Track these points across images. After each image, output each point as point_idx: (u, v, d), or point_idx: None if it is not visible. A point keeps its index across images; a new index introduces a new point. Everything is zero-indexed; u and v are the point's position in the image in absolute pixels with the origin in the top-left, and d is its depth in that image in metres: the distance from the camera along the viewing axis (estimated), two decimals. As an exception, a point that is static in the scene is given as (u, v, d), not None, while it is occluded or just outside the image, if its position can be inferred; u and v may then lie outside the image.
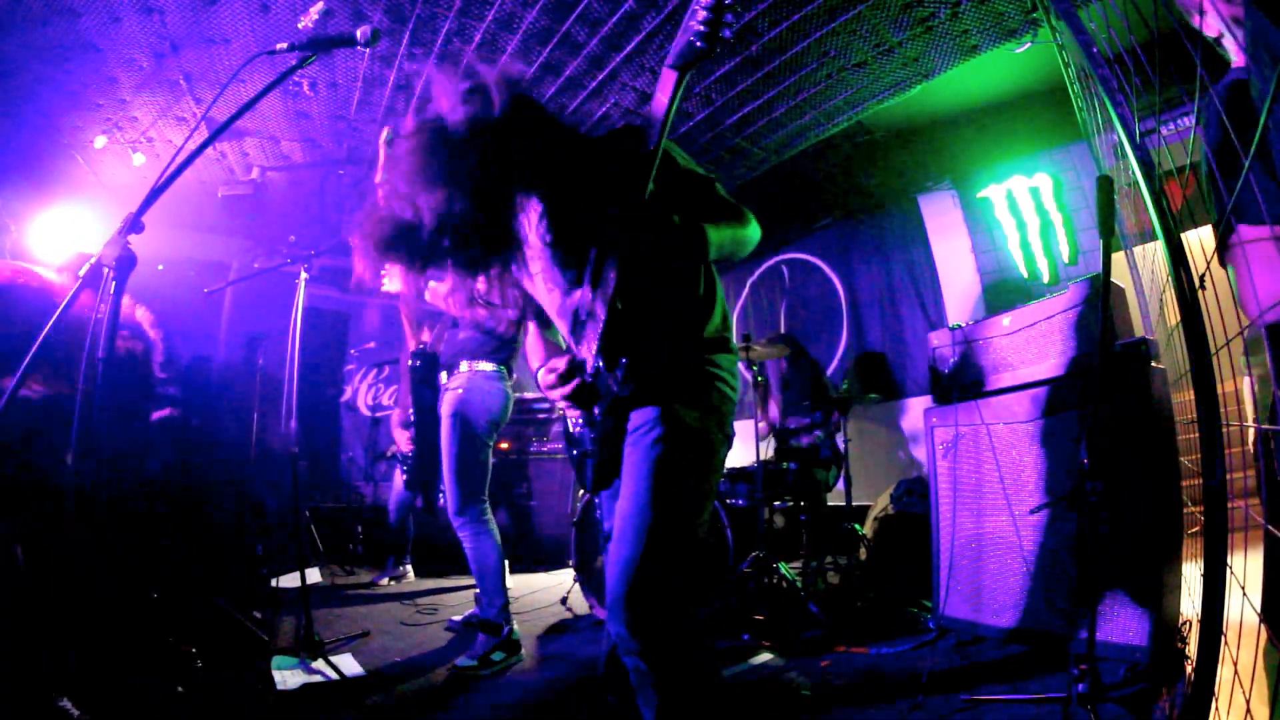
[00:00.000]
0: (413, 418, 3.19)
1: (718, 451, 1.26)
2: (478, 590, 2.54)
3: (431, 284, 2.70)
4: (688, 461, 1.19)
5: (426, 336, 2.71)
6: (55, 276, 2.19)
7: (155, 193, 1.20)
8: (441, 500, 3.20)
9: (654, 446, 1.17)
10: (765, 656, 2.41)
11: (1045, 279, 4.11)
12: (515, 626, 2.47)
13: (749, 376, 3.66)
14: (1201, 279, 1.13)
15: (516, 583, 4.01)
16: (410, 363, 2.49)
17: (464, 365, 2.54)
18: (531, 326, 1.58)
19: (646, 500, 1.14)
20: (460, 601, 3.51)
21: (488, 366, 2.55)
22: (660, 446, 1.17)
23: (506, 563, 3.52)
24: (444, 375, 2.56)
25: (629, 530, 1.14)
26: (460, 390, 2.50)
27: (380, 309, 6.74)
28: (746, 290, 6.08)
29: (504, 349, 2.61)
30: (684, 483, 1.17)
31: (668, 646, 1.09)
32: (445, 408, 2.53)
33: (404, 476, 3.89)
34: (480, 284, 1.36)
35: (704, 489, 1.21)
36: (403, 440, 3.74)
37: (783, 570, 2.80)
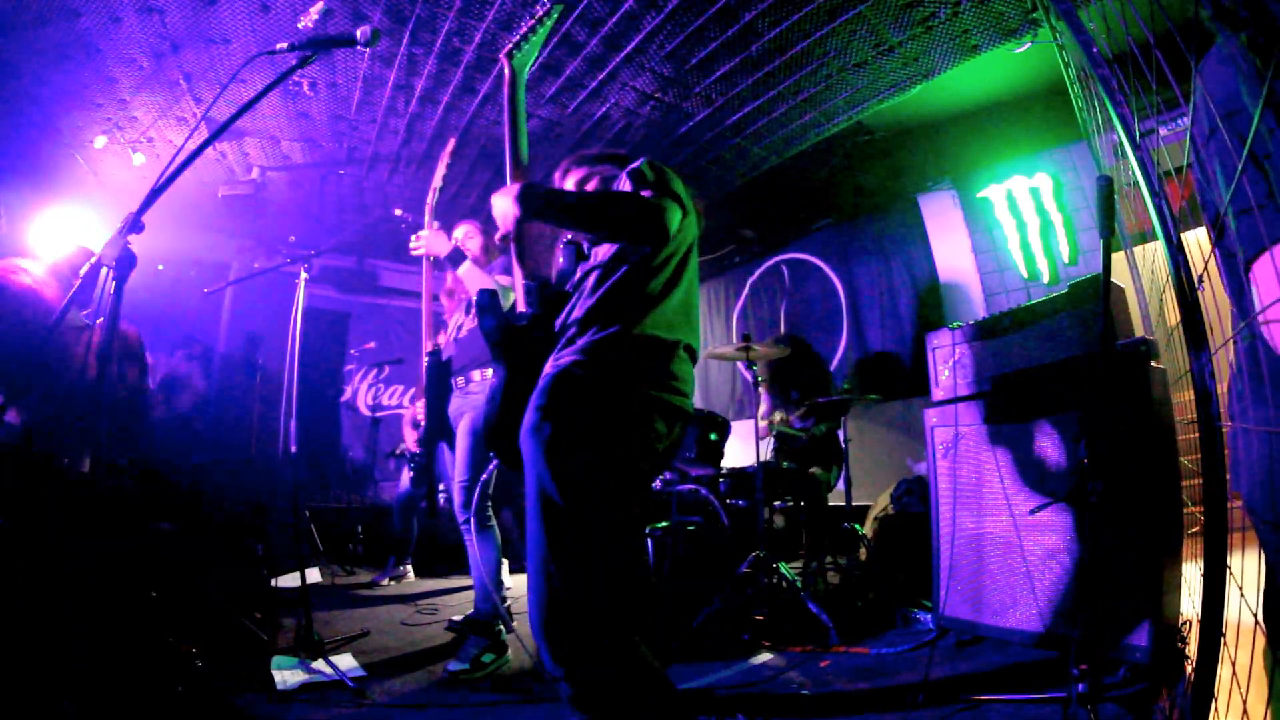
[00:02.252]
0: (422, 418, 3.20)
1: (628, 464, 1.15)
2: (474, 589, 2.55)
3: (443, 298, 2.76)
4: (572, 483, 1.09)
5: (442, 339, 2.75)
6: (39, 274, 2.19)
7: (155, 193, 1.20)
8: (443, 501, 3.21)
9: (534, 454, 1.12)
10: (765, 656, 2.41)
11: (1045, 279, 4.11)
12: (504, 628, 2.47)
13: (749, 376, 3.66)
14: (1201, 279, 1.13)
15: (516, 583, 4.01)
16: (427, 363, 2.52)
17: (477, 374, 2.61)
18: None
19: (536, 528, 1.09)
20: (460, 601, 3.51)
21: None
22: (541, 454, 1.11)
23: (506, 563, 3.53)
24: (460, 380, 2.60)
25: (529, 560, 1.09)
26: (479, 396, 2.57)
27: (381, 309, 6.75)
28: (746, 290, 6.08)
29: None
30: (572, 507, 1.08)
31: (588, 678, 1.03)
32: (461, 412, 2.58)
33: (411, 475, 3.90)
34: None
35: (603, 511, 1.10)
36: (411, 439, 3.75)
37: (783, 570, 2.80)
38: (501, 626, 2.45)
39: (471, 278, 2.43)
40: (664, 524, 3.03)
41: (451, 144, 2.65)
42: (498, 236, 1.31)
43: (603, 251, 1.35)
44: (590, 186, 1.53)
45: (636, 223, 1.22)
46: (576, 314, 1.29)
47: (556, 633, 1.03)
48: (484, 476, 2.57)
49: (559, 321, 1.35)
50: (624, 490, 1.14)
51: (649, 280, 1.27)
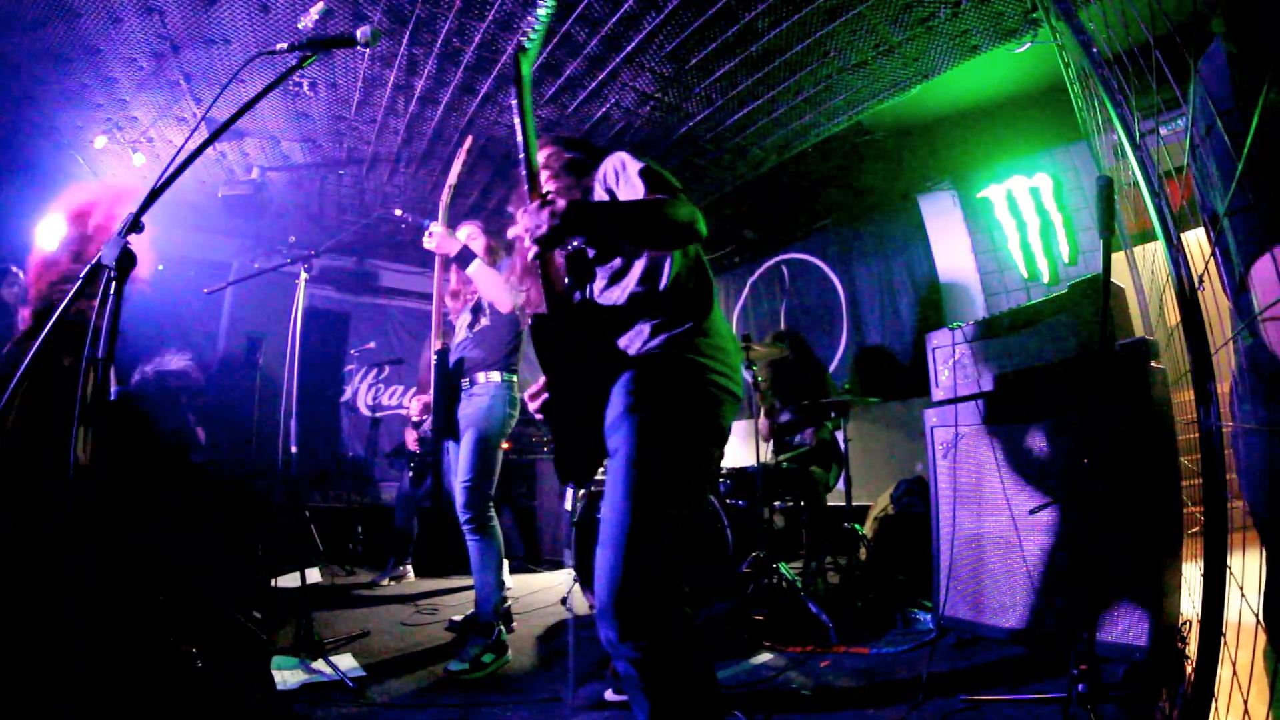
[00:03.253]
0: (426, 417, 3.21)
1: (704, 447, 1.25)
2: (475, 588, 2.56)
3: (448, 300, 2.78)
4: (665, 460, 1.18)
5: (450, 340, 2.77)
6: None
7: (155, 193, 1.20)
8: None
9: (625, 443, 1.18)
10: (765, 656, 2.41)
11: (1045, 279, 4.11)
12: (504, 627, 2.48)
13: (749, 376, 3.66)
14: (1201, 279, 1.14)
15: (516, 583, 4.01)
16: (435, 363, 2.54)
17: (482, 377, 2.62)
18: None
19: (625, 504, 1.14)
20: (460, 601, 3.51)
21: (505, 377, 2.67)
22: (631, 443, 1.18)
23: (506, 563, 3.52)
24: (465, 381, 2.62)
25: (609, 535, 1.13)
26: (484, 399, 2.59)
27: (381, 309, 6.75)
28: (746, 290, 6.08)
29: (511, 355, 2.68)
30: (663, 483, 1.16)
31: (656, 651, 1.08)
32: (467, 414, 2.59)
33: (411, 475, 3.91)
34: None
35: (687, 488, 1.20)
36: (411, 439, 3.75)
37: (783, 570, 2.80)
38: (501, 627, 2.46)
39: (482, 277, 2.43)
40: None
41: (469, 142, 2.65)
42: (530, 256, 1.23)
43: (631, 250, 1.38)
44: (556, 165, 1.52)
45: (686, 229, 1.24)
46: (628, 304, 1.34)
47: (636, 605, 1.08)
48: (494, 478, 2.58)
49: (602, 310, 1.39)
50: (704, 474, 1.26)
51: (698, 275, 1.38)
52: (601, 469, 1.30)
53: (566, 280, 1.47)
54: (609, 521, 1.15)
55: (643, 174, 1.33)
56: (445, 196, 2.51)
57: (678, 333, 1.30)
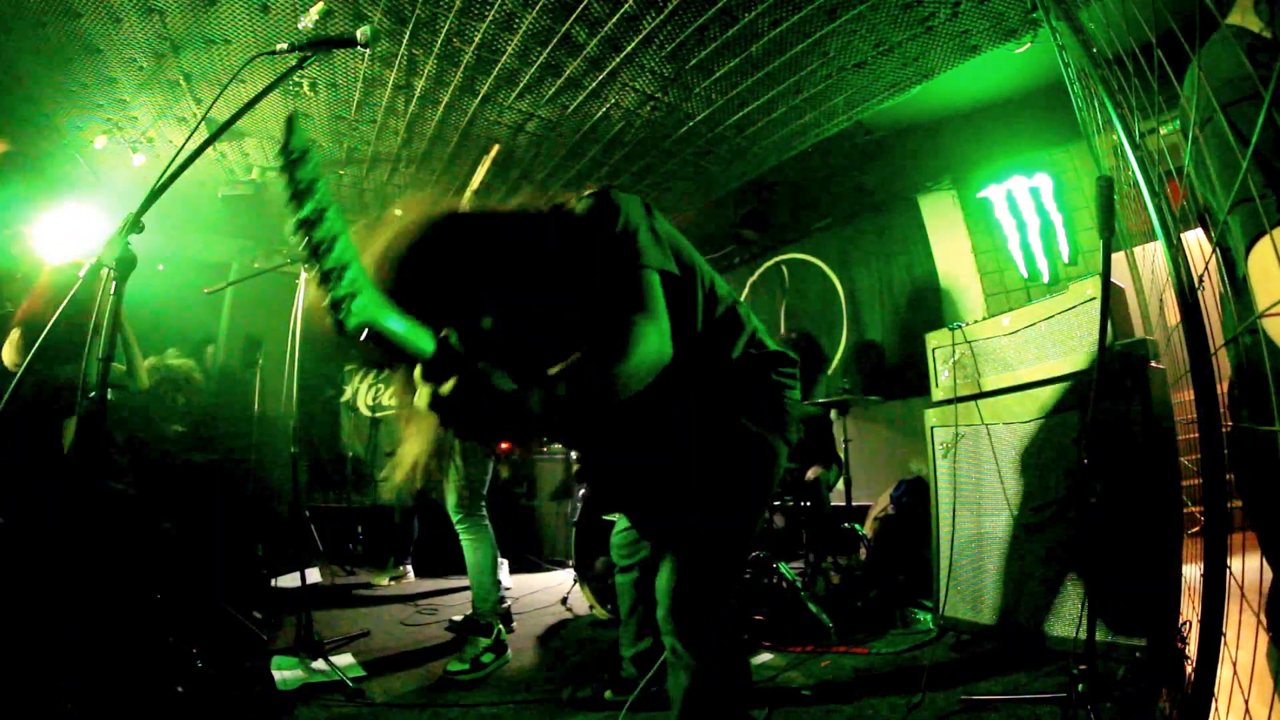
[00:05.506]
0: None
1: (778, 462, 1.25)
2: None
3: None
4: (742, 481, 1.21)
5: None
6: None
7: (155, 193, 1.20)
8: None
9: (707, 465, 1.19)
10: (765, 656, 2.41)
11: (1045, 279, 4.11)
12: (503, 627, 2.49)
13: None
14: (1201, 279, 1.13)
15: (516, 583, 4.01)
16: None
17: None
18: None
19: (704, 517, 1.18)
20: (460, 601, 3.51)
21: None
22: (713, 467, 1.18)
23: (505, 563, 3.51)
24: None
25: (685, 539, 1.18)
26: None
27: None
28: (746, 290, 6.08)
29: None
30: (738, 502, 1.21)
31: (704, 640, 1.16)
32: None
33: None
34: None
35: (758, 505, 1.26)
36: None
37: (783, 570, 2.80)
38: (501, 626, 2.46)
39: None
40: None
41: (495, 150, 2.66)
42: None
43: None
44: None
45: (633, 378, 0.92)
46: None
47: (701, 615, 1.16)
48: (486, 478, 2.60)
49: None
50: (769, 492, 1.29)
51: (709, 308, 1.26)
52: None
53: None
54: (687, 530, 1.19)
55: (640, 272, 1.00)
56: (464, 205, 2.52)
57: (730, 362, 1.21)
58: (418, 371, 0.78)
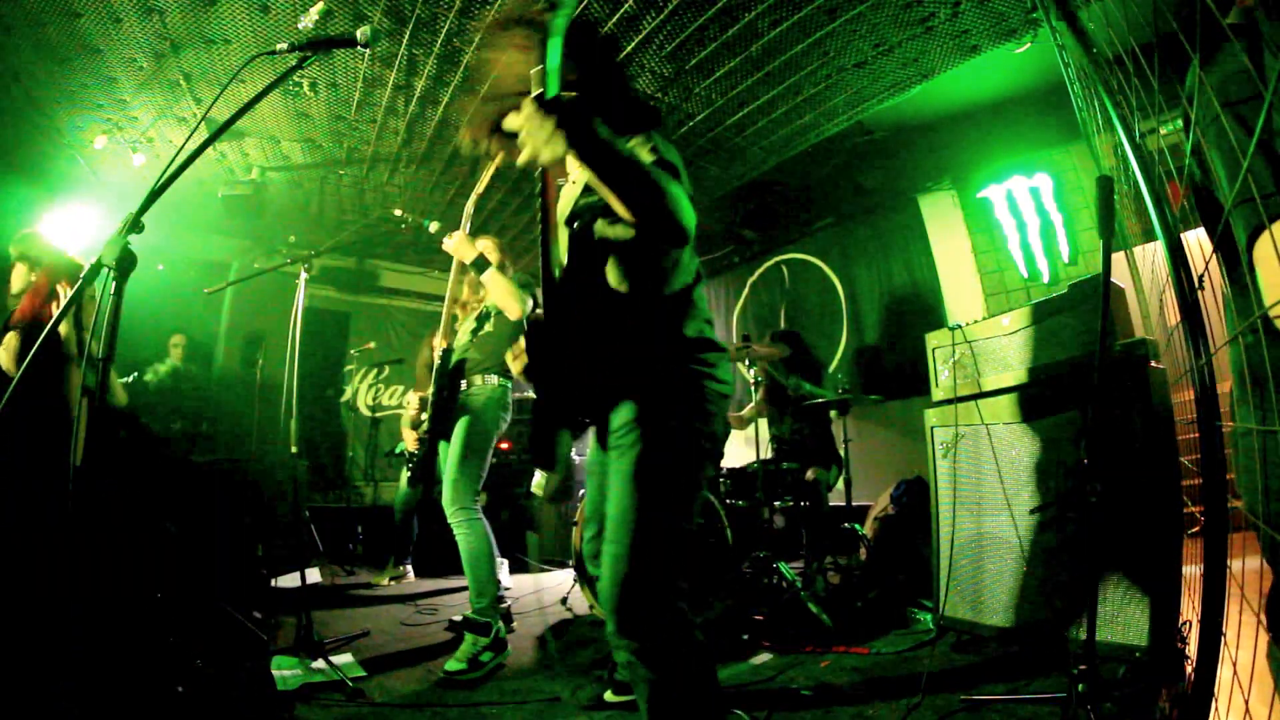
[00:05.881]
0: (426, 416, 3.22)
1: (703, 449, 1.26)
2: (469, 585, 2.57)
3: (456, 309, 2.82)
4: (669, 462, 1.19)
5: (454, 341, 2.81)
6: None
7: (155, 193, 1.20)
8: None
9: (634, 448, 1.18)
10: (765, 656, 2.41)
11: (1045, 279, 4.11)
12: (503, 625, 2.50)
13: (748, 376, 3.66)
14: (1201, 279, 1.13)
15: (516, 582, 4.01)
16: (439, 362, 2.56)
17: (479, 379, 2.73)
18: None
19: (630, 503, 1.16)
20: (460, 601, 3.51)
21: (501, 381, 2.77)
22: (640, 448, 1.18)
23: (505, 563, 3.50)
24: (463, 383, 2.70)
25: (614, 534, 1.16)
26: (479, 400, 2.69)
27: (381, 309, 6.75)
28: (746, 290, 6.08)
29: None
30: (664, 484, 1.18)
31: (655, 642, 1.12)
32: (461, 414, 2.65)
33: (410, 475, 3.90)
34: None
35: (687, 489, 1.21)
36: (411, 439, 3.75)
37: (783, 570, 2.80)
38: (500, 625, 2.46)
39: (494, 283, 2.46)
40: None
41: (500, 156, 2.66)
42: (520, 160, 1.05)
43: (616, 233, 1.29)
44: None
45: (677, 224, 1.10)
46: (620, 306, 1.27)
47: (637, 603, 1.12)
48: (481, 474, 2.61)
49: (589, 305, 1.30)
50: (702, 479, 1.26)
51: (695, 281, 1.34)
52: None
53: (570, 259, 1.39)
54: (615, 521, 1.17)
55: (657, 146, 1.23)
56: (470, 206, 2.53)
57: (681, 341, 1.28)
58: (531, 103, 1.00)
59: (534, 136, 0.99)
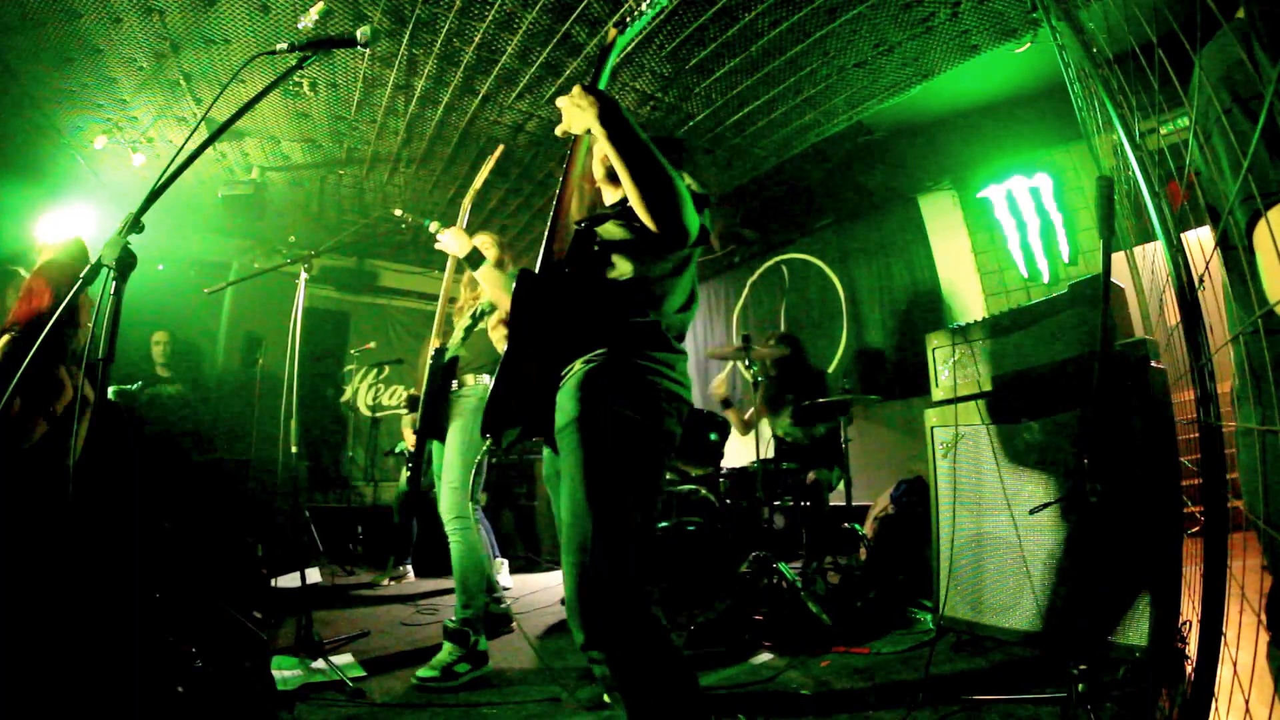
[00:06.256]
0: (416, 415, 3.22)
1: (656, 447, 1.23)
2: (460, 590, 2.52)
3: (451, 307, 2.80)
4: (614, 460, 1.17)
5: (448, 340, 2.79)
6: None
7: (155, 193, 1.20)
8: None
9: (578, 449, 1.17)
10: (765, 656, 2.41)
11: (1045, 279, 4.11)
12: (484, 639, 2.40)
13: (748, 376, 3.65)
14: (1201, 279, 1.13)
15: (516, 583, 4.01)
16: (431, 362, 2.54)
17: (470, 379, 2.66)
18: None
19: (581, 509, 1.14)
20: (460, 601, 3.51)
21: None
22: (584, 449, 1.16)
23: (505, 563, 3.50)
24: (455, 383, 2.64)
25: (570, 542, 1.14)
26: (471, 400, 2.62)
27: (381, 309, 6.75)
28: (746, 290, 6.08)
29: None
30: (612, 483, 1.16)
31: (625, 651, 1.11)
32: (454, 415, 2.60)
33: (410, 475, 3.91)
34: None
35: (639, 489, 1.18)
36: (411, 439, 3.75)
37: (783, 570, 2.79)
38: (482, 638, 2.38)
39: (490, 279, 2.43)
40: (664, 524, 3.04)
41: (500, 150, 2.65)
42: (559, 130, 1.27)
43: (617, 233, 1.34)
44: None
45: (680, 223, 1.20)
46: (598, 300, 1.30)
47: (600, 612, 1.10)
48: (473, 477, 2.58)
49: (575, 300, 1.33)
50: (658, 482, 1.24)
51: (675, 283, 1.36)
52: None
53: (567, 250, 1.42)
54: (568, 528, 1.15)
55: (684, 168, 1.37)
56: (467, 202, 2.50)
57: (630, 334, 1.28)
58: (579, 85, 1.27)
59: (573, 110, 1.25)
